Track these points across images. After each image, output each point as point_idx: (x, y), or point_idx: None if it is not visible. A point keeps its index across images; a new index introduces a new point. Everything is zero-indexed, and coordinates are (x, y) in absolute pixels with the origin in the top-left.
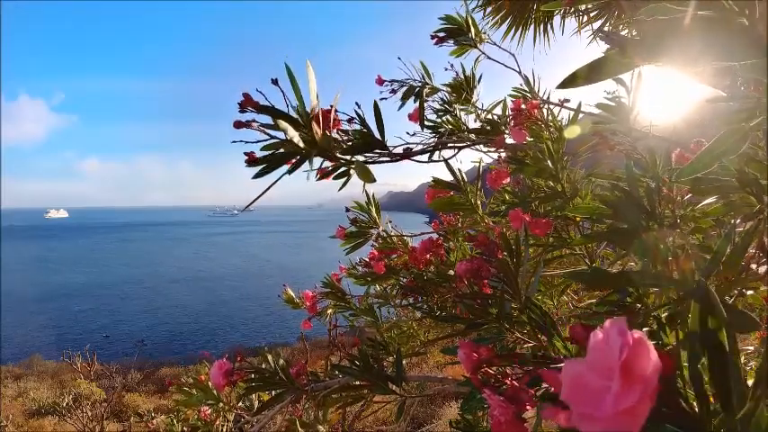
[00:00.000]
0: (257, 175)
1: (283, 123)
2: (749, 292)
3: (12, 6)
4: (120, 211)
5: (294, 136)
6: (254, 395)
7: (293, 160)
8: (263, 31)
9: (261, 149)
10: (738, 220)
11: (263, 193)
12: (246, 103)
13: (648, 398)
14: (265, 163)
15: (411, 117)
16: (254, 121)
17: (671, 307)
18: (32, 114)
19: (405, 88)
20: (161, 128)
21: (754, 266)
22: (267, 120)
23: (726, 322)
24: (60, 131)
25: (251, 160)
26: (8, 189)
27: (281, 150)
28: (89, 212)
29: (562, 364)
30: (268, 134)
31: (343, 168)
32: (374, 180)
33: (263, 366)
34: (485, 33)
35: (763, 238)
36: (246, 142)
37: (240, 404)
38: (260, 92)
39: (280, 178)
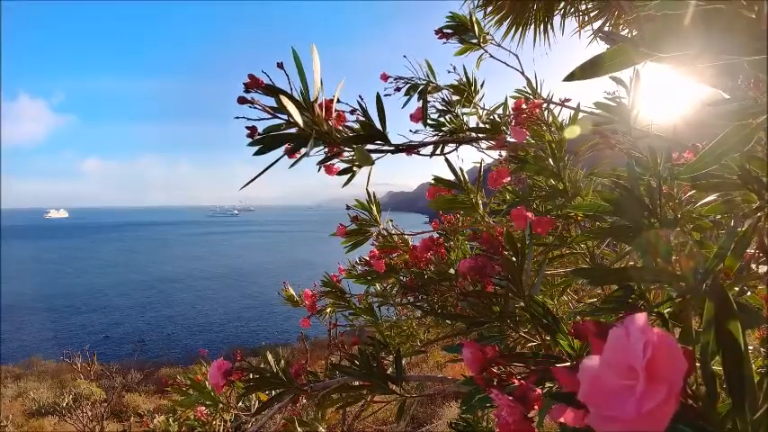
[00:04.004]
0: (258, 152)
1: (286, 101)
2: (748, 293)
3: (12, 6)
4: (121, 211)
5: (296, 114)
6: (253, 395)
7: (294, 143)
8: (264, 31)
9: (263, 131)
10: (739, 218)
11: (265, 170)
12: (252, 83)
13: (674, 399)
14: (267, 141)
15: (413, 117)
16: (257, 100)
17: (673, 304)
18: (32, 114)
19: (408, 86)
20: (161, 128)
21: (753, 266)
22: (271, 103)
23: (740, 320)
24: (60, 131)
25: (253, 134)
26: (8, 189)
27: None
28: (89, 212)
29: (567, 363)
30: (273, 115)
31: (346, 165)
32: (372, 162)
33: (263, 366)
34: (488, 33)
35: (763, 237)
36: (249, 119)
37: (240, 404)
38: (265, 73)
39: (282, 157)
